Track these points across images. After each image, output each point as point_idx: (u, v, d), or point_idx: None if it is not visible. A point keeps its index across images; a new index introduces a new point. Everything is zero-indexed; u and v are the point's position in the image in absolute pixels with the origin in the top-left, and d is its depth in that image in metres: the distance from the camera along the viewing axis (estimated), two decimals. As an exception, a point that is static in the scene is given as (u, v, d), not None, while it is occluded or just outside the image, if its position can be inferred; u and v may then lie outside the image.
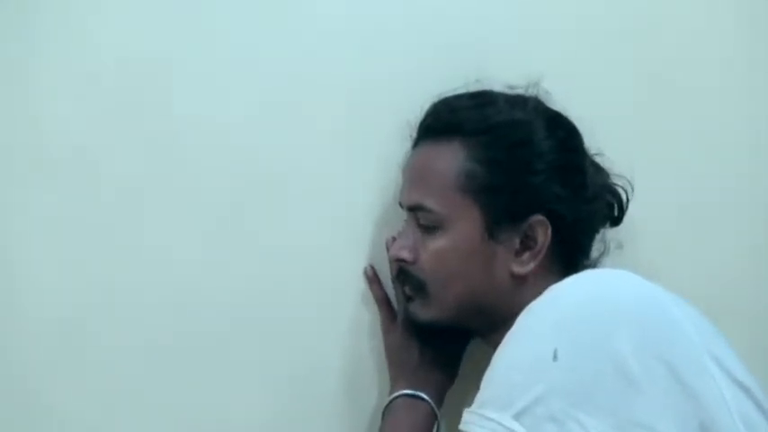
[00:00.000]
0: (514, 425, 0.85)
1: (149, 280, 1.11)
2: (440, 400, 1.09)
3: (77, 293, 1.10)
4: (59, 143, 1.09)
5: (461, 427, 0.90)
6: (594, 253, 1.09)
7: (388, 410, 1.08)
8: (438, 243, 1.03)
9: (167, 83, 1.12)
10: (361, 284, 1.15)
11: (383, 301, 1.14)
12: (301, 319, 1.14)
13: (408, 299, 1.09)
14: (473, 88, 1.08)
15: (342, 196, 1.15)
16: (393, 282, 1.12)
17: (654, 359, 0.86)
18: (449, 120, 1.06)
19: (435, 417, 1.08)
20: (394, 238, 1.10)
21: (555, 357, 0.86)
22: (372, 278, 1.14)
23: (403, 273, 1.08)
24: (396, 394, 1.08)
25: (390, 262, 1.12)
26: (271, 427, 1.13)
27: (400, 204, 1.10)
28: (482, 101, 1.06)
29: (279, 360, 1.13)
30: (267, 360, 1.13)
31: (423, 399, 1.07)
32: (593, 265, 1.08)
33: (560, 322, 0.89)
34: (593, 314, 0.89)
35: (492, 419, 0.87)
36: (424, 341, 1.10)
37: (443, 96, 1.08)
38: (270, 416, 1.13)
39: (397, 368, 1.11)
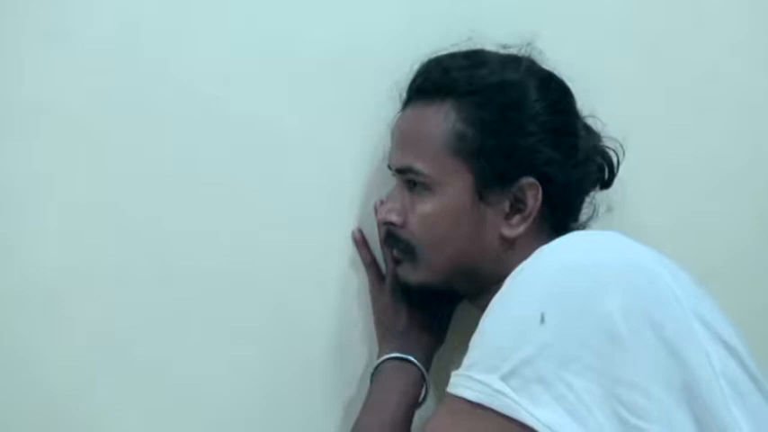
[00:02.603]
0: (502, 386, 0.85)
1: (137, 238, 1.10)
2: (428, 362, 1.10)
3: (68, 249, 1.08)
4: (48, 94, 1.07)
5: (449, 389, 0.90)
6: (583, 216, 1.09)
7: (376, 374, 1.08)
8: (427, 206, 1.03)
9: (156, 37, 1.10)
10: (349, 248, 1.14)
11: (371, 265, 1.13)
12: (289, 283, 1.13)
13: (397, 262, 1.08)
14: (465, 47, 1.07)
15: (330, 158, 1.14)
16: (382, 245, 1.12)
17: (641, 320, 0.86)
18: (440, 80, 1.04)
19: (424, 380, 1.08)
20: (382, 201, 1.10)
21: (542, 321, 0.86)
22: (360, 242, 1.14)
23: (392, 236, 1.07)
24: (384, 357, 1.08)
25: (379, 225, 1.11)
26: (259, 390, 1.13)
27: (389, 167, 1.09)
28: (474, 61, 1.05)
29: (267, 324, 1.13)
30: (255, 324, 1.13)
31: (411, 362, 1.07)
32: (582, 228, 1.08)
33: (548, 285, 0.89)
34: (581, 277, 0.89)
35: (480, 381, 0.87)
36: (413, 304, 1.10)
37: (435, 56, 1.07)
38: (258, 379, 1.13)
39: (386, 331, 1.11)
